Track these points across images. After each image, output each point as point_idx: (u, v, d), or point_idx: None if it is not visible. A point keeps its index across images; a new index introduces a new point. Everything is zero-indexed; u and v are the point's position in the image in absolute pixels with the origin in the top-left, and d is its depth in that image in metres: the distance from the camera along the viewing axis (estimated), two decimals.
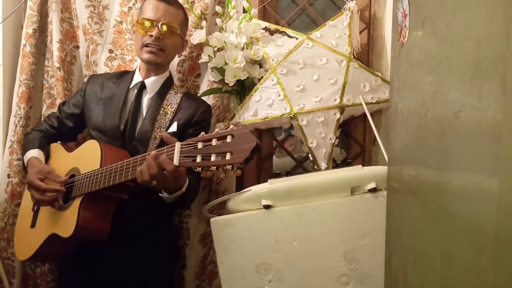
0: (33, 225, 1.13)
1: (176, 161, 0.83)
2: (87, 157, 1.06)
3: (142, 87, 1.15)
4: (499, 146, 0.48)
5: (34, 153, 1.12)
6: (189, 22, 1.34)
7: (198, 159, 0.80)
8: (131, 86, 1.16)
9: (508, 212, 0.48)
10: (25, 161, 1.12)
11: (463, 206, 0.57)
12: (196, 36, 1.31)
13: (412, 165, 0.73)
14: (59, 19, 1.35)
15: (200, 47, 1.36)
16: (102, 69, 1.38)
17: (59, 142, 1.21)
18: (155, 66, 1.15)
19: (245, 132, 0.77)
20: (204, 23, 1.32)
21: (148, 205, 1.11)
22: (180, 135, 1.09)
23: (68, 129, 1.21)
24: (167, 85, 1.18)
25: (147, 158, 0.88)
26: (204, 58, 1.34)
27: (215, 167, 0.78)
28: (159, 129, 1.10)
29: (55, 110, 1.30)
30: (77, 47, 1.40)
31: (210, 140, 0.80)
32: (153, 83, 1.16)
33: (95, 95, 1.17)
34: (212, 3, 1.34)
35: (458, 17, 0.58)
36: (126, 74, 1.22)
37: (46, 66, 1.40)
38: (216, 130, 0.85)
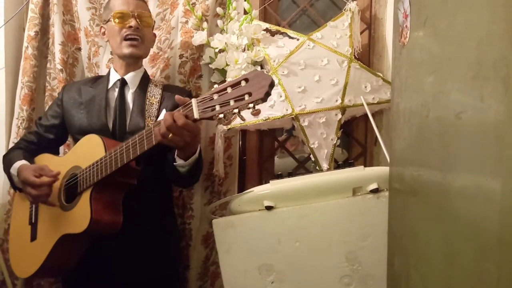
0: (33, 238, 1.11)
1: (196, 115, 0.84)
2: (87, 151, 1.05)
3: (123, 83, 1.16)
4: (501, 147, 0.48)
5: (22, 162, 1.10)
6: (190, 24, 1.35)
7: (217, 108, 0.81)
8: (109, 86, 1.17)
9: (510, 213, 0.48)
10: (14, 172, 1.09)
11: (466, 207, 0.56)
12: (197, 38, 1.32)
13: (414, 166, 0.73)
14: (60, 21, 1.36)
15: (201, 48, 1.36)
16: (104, 71, 1.38)
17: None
18: (135, 60, 1.16)
19: (258, 73, 0.78)
20: (205, 24, 1.33)
21: (154, 201, 1.12)
22: None
23: (48, 142, 1.19)
24: (145, 80, 1.20)
25: (166, 114, 0.88)
26: (205, 59, 1.35)
27: (237, 109, 0.79)
28: (149, 118, 1.12)
29: None
30: (79, 49, 1.40)
31: (225, 89, 0.81)
32: (133, 78, 1.17)
33: (74, 101, 1.17)
34: (213, 4, 1.34)
35: (459, 18, 0.58)
36: (101, 77, 1.23)
37: (48, 68, 1.40)
38: (218, 129, 0.84)
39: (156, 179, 1.13)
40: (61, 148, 1.30)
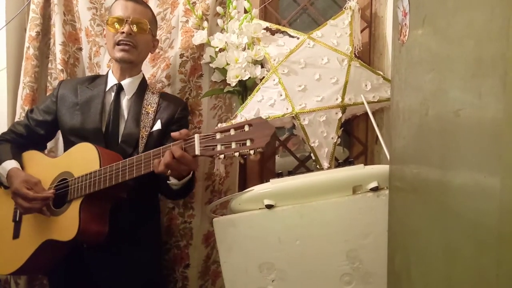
0: (16, 236, 1.09)
1: (197, 151, 0.88)
2: (81, 159, 1.05)
3: (119, 89, 1.15)
4: (499, 144, 0.48)
5: (13, 163, 1.08)
6: (191, 23, 1.35)
7: (219, 147, 0.85)
8: (107, 89, 1.16)
9: (509, 210, 0.48)
10: (3, 173, 1.07)
11: (465, 205, 0.57)
12: (197, 37, 1.32)
13: (413, 164, 0.73)
14: (61, 21, 1.36)
15: (202, 48, 1.36)
16: (105, 70, 1.38)
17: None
18: (128, 65, 1.15)
19: (263, 121, 0.84)
20: (205, 24, 1.33)
21: (138, 207, 1.13)
22: (164, 132, 1.14)
23: (38, 137, 1.17)
24: (143, 86, 1.19)
25: (167, 152, 0.91)
26: (206, 58, 1.35)
27: (236, 153, 0.83)
28: (144, 129, 1.12)
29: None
30: (80, 49, 1.41)
31: (228, 130, 0.85)
32: (129, 84, 1.16)
33: (69, 100, 1.15)
34: (213, 4, 1.35)
35: (458, 15, 0.58)
36: (99, 78, 1.21)
37: (49, 68, 1.41)
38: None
39: (143, 190, 1.10)
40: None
